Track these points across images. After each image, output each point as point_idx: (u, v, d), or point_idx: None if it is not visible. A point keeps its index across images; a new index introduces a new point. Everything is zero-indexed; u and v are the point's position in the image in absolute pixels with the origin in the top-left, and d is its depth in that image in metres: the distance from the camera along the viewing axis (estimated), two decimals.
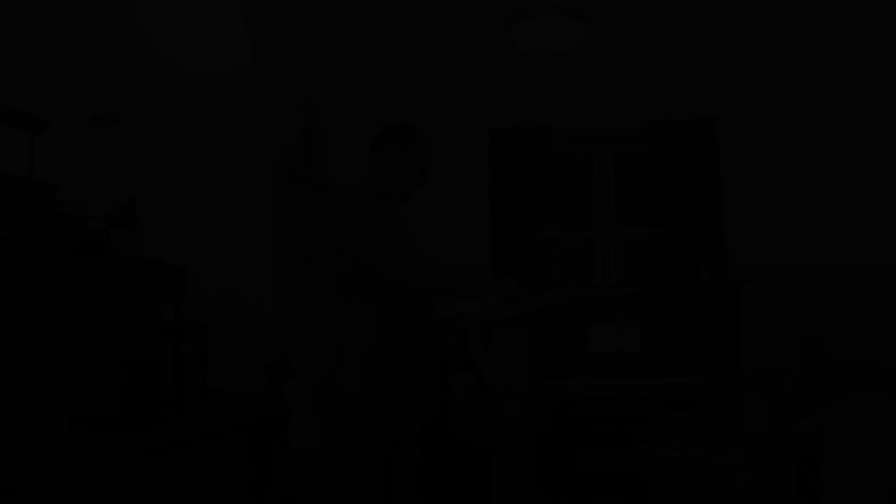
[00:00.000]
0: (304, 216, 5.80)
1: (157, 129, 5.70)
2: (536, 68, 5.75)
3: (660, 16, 5.53)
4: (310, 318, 5.83)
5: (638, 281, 6.07)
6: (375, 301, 2.59)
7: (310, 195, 6.06)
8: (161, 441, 3.83)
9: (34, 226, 3.23)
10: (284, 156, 5.77)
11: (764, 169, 6.05)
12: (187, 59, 5.73)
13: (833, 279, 5.86)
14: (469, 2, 5.46)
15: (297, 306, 5.63)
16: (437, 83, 6.29)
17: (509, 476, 2.71)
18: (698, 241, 5.85)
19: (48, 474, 3.02)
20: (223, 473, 4.13)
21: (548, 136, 6.31)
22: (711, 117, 6.12)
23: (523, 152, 6.28)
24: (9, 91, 4.21)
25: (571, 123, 6.34)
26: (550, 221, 6.26)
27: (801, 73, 6.01)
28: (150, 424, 4.22)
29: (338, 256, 2.59)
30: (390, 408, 2.57)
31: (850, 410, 2.00)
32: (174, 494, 3.67)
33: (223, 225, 5.52)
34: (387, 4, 5.58)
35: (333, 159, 6.38)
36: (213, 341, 5.16)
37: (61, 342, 3.96)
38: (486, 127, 6.34)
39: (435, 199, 5.86)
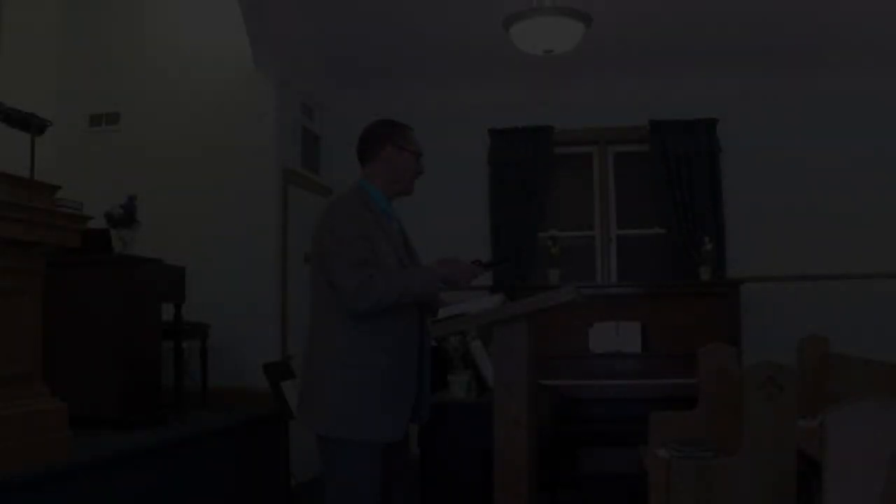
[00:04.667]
0: (303, 216, 5.81)
1: (158, 130, 5.71)
2: (536, 68, 5.74)
3: (660, 15, 5.52)
4: (306, 321, 5.83)
5: (638, 281, 6.07)
6: None
7: (310, 195, 6.06)
8: (161, 441, 3.83)
9: (34, 226, 3.23)
10: (284, 156, 5.77)
11: (764, 169, 6.04)
12: (189, 59, 5.74)
13: (833, 279, 5.86)
14: (469, 2, 5.45)
15: (297, 306, 5.63)
16: (437, 83, 6.28)
17: (509, 476, 2.70)
18: (698, 241, 5.86)
19: (48, 474, 3.02)
20: (223, 473, 4.13)
21: (548, 136, 6.31)
22: (711, 117, 6.12)
23: (523, 152, 6.28)
24: (9, 91, 4.20)
25: (571, 123, 6.33)
26: (550, 221, 6.25)
27: (800, 73, 6.00)
28: (150, 424, 4.22)
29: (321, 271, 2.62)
30: (380, 412, 2.55)
31: (850, 410, 2.00)
32: (174, 494, 3.67)
33: (223, 225, 5.52)
34: (387, 4, 5.58)
35: (333, 160, 6.38)
36: (213, 341, 5.17)
37: (61, 342, 3.96)
38: (486, 127, 6.33)
39: (435, 199, 5.85)
